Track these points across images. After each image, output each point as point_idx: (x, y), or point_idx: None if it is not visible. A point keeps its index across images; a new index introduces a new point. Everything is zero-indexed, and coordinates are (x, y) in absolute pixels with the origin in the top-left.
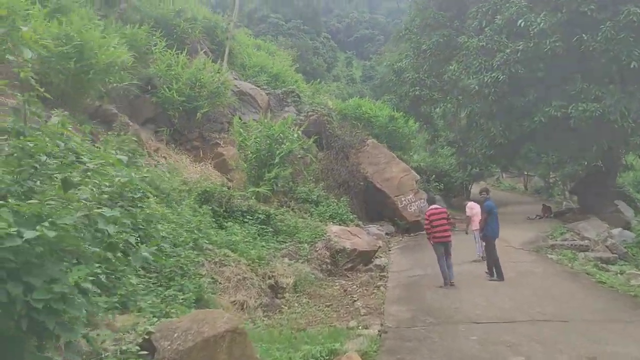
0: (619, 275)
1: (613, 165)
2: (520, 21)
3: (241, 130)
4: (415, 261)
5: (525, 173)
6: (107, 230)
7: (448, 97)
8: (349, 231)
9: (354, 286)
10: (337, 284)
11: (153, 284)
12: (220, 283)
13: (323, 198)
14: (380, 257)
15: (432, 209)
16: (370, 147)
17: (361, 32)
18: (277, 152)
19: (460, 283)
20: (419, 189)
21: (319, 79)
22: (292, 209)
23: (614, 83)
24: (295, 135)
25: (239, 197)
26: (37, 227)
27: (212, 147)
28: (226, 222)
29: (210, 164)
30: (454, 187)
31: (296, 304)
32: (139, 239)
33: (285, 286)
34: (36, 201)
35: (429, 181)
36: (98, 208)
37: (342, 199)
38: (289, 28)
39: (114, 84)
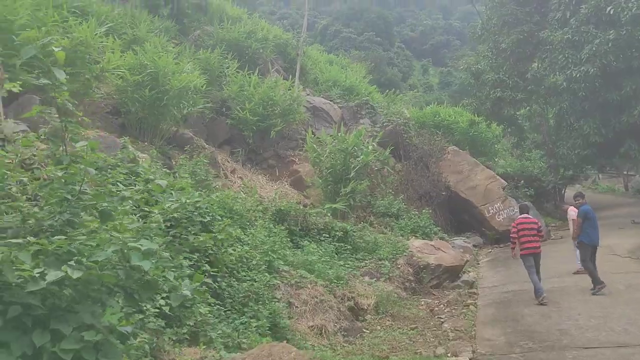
0: None
1: None
2: (609, 8)
3: (314, 145)
4: (508, 275)
5: (625, 172)
6: (142, 267)
7: (533, 97)
8: (432, 245)
9: (441, 305)
10: (422, 303)
11: (225, 311)
12: (296, 307)
13: (403, 211)
14: (469, 271)
15: (522, 217)
16: (451, 155)
17: (436, 38)
18: (352, 165)
19: (562, 298)
20: (507, 196)
21: (394, 89)
22: (372, 224)
23: None
24: (370, 147)
25: (315, 215)
26: (63, 267)
27: (287, 165)
28: (302, 241)
29: (287, 181)
30: (545, 192)
31: (378, 327)
32: (191, 268)
33: (366, 307)
34: (63, 237)
35: (518, 187)
36: (135, 240)
37: (423, 211)
38: (362, 41)
39: (189, 109)
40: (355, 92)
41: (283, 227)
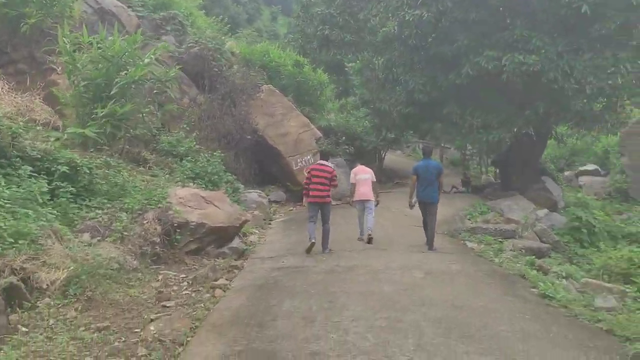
0: (563, 280)
1: (542, 135)
2: None
3: (67, 46)
4: (298, 241)
5: (442, 145)
6: None
7: (363, 43)
8: (203, 197)
9: (184, 283)
10: (160, 278)
11: None
12: None
13: (194, 152)
14: (252, 233)
15: (317, 164)
16: (265, 95)
17: None
18: (117, 80)
19: (343, 285)
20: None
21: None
22: (145, 164)
23: (559, 33)
24: (147, 59)
25: (30, 138)
26: None
27: (45, 73)
28: None
29: (40, 95)
30: (366, 152)
31: (52, 321)
32: None
33: (46, 286)
34: None
35: (339, 143)
36: None
37: (214, 153)
38: None
39: None
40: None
41: None
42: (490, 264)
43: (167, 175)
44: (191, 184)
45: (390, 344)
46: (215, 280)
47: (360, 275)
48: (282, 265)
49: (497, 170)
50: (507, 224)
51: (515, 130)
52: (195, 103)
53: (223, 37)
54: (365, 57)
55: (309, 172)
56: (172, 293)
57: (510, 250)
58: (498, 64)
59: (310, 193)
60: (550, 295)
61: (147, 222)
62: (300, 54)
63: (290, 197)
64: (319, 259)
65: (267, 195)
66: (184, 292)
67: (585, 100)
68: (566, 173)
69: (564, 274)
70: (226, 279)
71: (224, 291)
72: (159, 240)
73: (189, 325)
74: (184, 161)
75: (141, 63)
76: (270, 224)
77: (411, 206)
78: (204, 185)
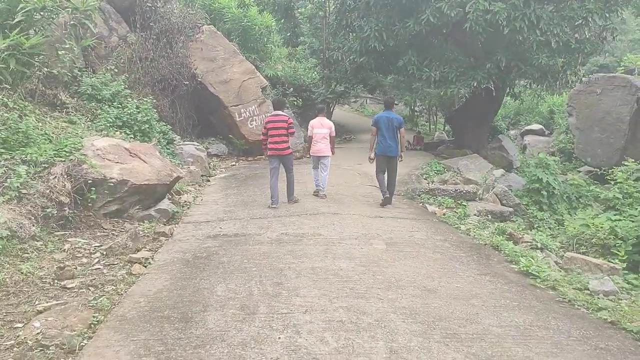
0: (538, 252)
1: (499, 92)
2: None
3: None
4: (238, 202)
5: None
6: None
7: None
8: (127, 149)
9: (96, 254)
10: (66, 247)
11: None
12: None
13: (123, 97)
14: (187, 192)
15: (272, 115)
16: (205, 36)
17: None
18: (22, 5)
19: (291, 267)
20: (266, 98)
21: None
22: (62, 107)
23: None
24: None
25: None
26: None
27: None
28: None
29: None
30: (314, 105)
31: None
32: None
33: None
34: None
35: (286, 95)
36: None
37: (145, 99)
38: None
39: None
40: None
41: None
42: (456, 232)
43: (89, 123)
44: (117, 133)
45: (356, 349)
46: (136, 251)
47: (312, 246)
48: (219, 232)
49: (451, 127)
50: (466, 184)
51: (475, 84)
52: (126, 42)
53: None
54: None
55: (265, 126)
56: (79, 268)
57: (475, 215)
58: (462, 11)
59: (270, 146)
60: (534, 273)
61: (54, 178)
62: None
63: (233, 150)
64: (263, 224)
65: (207, 149)
66: (94, 267)
67: (549, 55)
68: (511, 132)
69: (539, 245)
70: (149, 250)
71: (145, 266)
72: (68, 200)
73: (88, 319)
74: (110, 107)
75: None
76: (209, 180)
77: (371, 160)
78: (132, 136)
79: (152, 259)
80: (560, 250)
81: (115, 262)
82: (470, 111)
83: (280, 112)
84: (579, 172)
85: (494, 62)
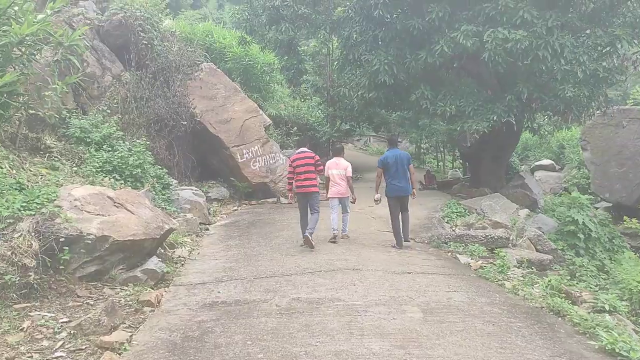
0: (606, 316)
1: (519, 126)
2: None
3: None
4: (241, 256)
5: (400, 141)
6: None
7: (319, 21)
8: (110, 198)
9: (62, 333)
10: (26, 324)
11: None
12: None
13: (115, 139)
14: (185, 243)
15: (298, 153)
16: (205, 74)
17: None
18: None
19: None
20: (269, 138)
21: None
22: (46, 152)
23: (548, 5)
24: (41, 16)
25: None
26: None
27: None
28: None
29: None
30: (319, 144)
31: None
32: None
33: None
34: None
35: (290, 134)
36: None
37: (138, 141)
38: None
39: None
40: None
41: None
42: (502, 291)
43: (75, 168)
44: (105, 179)
45: None
46: (111, 330)
47: (332, 316)
48: (216, 298)
49: (465, 164)
50: (495, 228)
51: (495, 118)
52: (120, 81)
53: (160, 15)
54: (320, 36)
55: (291, 164)
56: (34, 357)
57: (516, 267)
58: (478, 40)
59: (300, 184)
60: (623, 354)
61: (19, 236)
62: (247, 31)
63: (235, 194)
64: (270, 286)
65: (207, 193)
66: (54, 356)
67: (574, 85)
68: (521, 168)
69: (606, 307)
70: (129, 327)
71: (119, 354)
72: (33, 263)
73: None
74: (98, 151)
75: (29, 19)
76: (208, 229)
77: (376, 201)
78: (122, 182)
79: (129, 342)
80: (632, 312)
81: (83, 347)
82: (486, 147)
83: (304, 149)
84: (597, 208)
85: (515, 94)
